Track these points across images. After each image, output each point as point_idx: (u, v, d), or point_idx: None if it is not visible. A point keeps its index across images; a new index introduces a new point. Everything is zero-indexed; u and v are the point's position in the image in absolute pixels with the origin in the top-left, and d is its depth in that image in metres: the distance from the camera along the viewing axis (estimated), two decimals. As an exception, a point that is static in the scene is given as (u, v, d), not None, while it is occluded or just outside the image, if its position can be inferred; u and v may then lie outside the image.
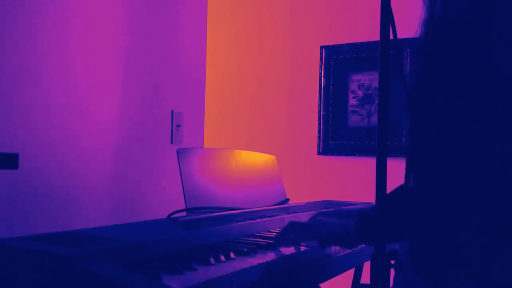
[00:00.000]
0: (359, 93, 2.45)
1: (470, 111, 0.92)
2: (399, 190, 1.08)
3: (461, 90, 0.93)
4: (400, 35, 1.13)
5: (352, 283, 1.95)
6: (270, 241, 1.22)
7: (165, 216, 1.46)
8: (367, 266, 1.15)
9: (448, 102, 0.93)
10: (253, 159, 1.73)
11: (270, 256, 1.10)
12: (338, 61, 2.51)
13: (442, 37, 0.98)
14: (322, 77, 2.53)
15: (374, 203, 1.10)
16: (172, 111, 2.32)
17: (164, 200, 2.23)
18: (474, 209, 0.92)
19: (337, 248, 1.34)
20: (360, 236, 1.11)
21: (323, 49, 2.54)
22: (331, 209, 1.70)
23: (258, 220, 1.40)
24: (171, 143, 2.31)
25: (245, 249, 1.10)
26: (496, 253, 0.91)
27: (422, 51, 1.03)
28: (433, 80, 0.97)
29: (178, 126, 2.35)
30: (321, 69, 2.54)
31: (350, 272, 1.88)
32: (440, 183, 0.95)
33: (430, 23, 1.02)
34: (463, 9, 0.96)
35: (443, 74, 0.96)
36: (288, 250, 1.16)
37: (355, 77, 2.47)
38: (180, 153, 1.47)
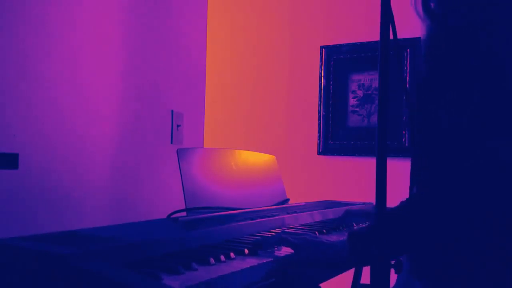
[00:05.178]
0: (359, 93, 2.45)
1: (472, 119, 0.92)
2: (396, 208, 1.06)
3: (462, 103, 0.93)
4: (400, 35, 1.13)
5: (352, 283, 1.95)
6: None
7: (165, 216, 1.46)
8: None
9: (448, 116, 0.93)
10: (253, 159, 1.73)
11: (270, 256, 1.10)
12: (338, 61, 2.51)
13: (445, 53, 0.98)
14: (322, 77, 2.53)
15: (374, 204, 1.09)
16: (172, 111, 2.32)
17: (164, 200, 2.23)
18: (468, 212, 0.93)
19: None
20: (354, 256, 1.02)
21: (323, 49, 2.54)
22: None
23: (258, 220, 1.40)
24: (171, 143, 2.31)
25: (245, 249, 1.10)
26: (488, 257, 0.92)
27: (425, 67, 1.02)
28: (436, 94, 0.97)
29: (178, 126, 2.35)
30: (321, 69, 2.54)
31: (350, 272, 1.88)
32: (439, 190, 0.95)
33: (433, 39, 1.02)
34: (464, 23, 0.96)
35: (447, 88, 0.95)
36: (288, 251, 1.16)
37: (355, 77, 2.47)
38: (180, 153, 1.47)
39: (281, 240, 1.13)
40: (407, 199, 1.03)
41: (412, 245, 1.00)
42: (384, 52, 1.01)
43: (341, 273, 1.37)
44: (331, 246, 1.06)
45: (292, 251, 1.11)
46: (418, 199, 0.99)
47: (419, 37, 2.30)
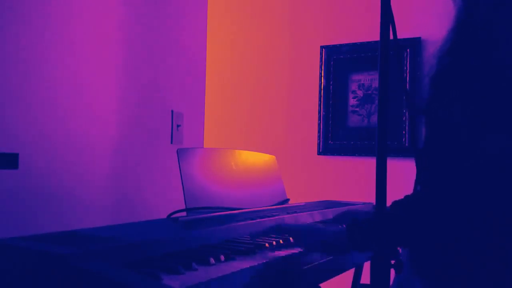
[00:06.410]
0: (359, 93, 2.45)
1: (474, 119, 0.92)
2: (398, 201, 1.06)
3: (463, 102, 0.93)
4: (400, 35, 1.13)
5: (352, 283, 1.95)
6: (270, 241, 1.22)
7: (165, 216, 1.46)
8: (367, 266, 1.15)
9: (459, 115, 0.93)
10: (253, 159, 1.73)
11: (270, 256, 1.10)
12: (338, 61, 2.51)
13: (448, 52, 0.98)
14: (322, 77, 2.53)
15: (374, 204, 1.09)
16: (172, 111, 2.32)
17: (164, 200, 2.23)
18: (468, 212, 0.93)
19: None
20: (352, 243, 1.05)
21: (323, 49, 2.54)
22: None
23: (258, 220, 1.40)
24: (171, 143, 2.31)
25: (245, 249, 1.10)
26: (487, 256, 0.92)
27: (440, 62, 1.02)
28: (438, 93, 0.98)
29: (178, 126, 2.35)
30: (321, 69, 2.54)
31: (350, 272, 1.88)
32: (439, 189, 0.95)
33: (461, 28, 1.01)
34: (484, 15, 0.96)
35: (448, 87, 0.96)
36: (288, 251, 1.16)
37: (355, 77, 2.47)
38: (180, 153, 1.47)
39: (279, 228, 1.13)
40: (411, 194, 1.03)
41: (411, 242, 1.01)
42: (384, 52, 1.01)
43: (341, 273, 1.37)
44: (330, 232, 1.08)
45: (293, 251, 1.11)
46: (419, 198, 0.99)
47: (419, 37, 2.30)
